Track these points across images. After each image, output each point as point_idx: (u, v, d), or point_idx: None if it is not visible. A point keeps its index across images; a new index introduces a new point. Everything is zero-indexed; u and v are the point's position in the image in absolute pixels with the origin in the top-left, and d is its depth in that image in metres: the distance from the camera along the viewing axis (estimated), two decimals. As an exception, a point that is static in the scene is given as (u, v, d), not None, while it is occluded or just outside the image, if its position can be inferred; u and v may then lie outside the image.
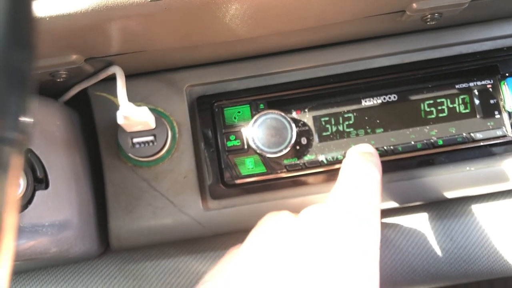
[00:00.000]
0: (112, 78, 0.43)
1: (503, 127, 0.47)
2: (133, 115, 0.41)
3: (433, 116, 0.47)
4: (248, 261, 0.35)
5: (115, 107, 0.42)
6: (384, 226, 0.49)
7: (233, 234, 0.49)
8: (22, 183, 0.39)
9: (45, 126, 0.43)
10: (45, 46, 0.36)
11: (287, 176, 0.47)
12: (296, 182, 0.47)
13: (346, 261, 0.32)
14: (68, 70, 0.41)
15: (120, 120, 0.42)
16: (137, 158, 0.46)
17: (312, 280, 0.32)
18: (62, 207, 0.42)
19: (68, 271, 0.49)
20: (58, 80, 0.42)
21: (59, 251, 0.42)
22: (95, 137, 0.48)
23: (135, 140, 0.45)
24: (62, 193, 0.42)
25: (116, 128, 0.45)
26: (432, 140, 0.47)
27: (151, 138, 0.45)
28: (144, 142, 0.45)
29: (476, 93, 0.48)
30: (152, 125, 0.44)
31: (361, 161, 0.39)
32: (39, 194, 0.40)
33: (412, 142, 0.47)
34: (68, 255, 0.45)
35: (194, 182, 0.47)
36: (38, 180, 0.40)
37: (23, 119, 0.17)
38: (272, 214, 0.40)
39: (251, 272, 0.33)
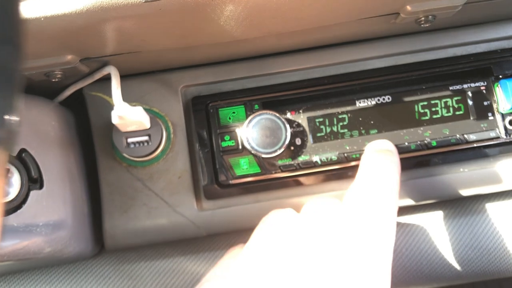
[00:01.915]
0: (107, 78, 0.43)
1: (497, 129, 0.47)
2: (127, 115, 0.41)
3: (427, 118, 0.47)
4: (253, 261, 0.34)
5: (110, 107, 0.42)
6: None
7: (227, 235, 0.49)
8: (16, 183, 0.39)
9: (40, 126, 0.43)
10: (40, 46, 0.36)
11: (281, 177, 0.47)
12: (290, 183, 0.47)
13: (358, 264, 0.32)
14: (63, 70, 0.41)
15: (114, 119, 0.42)
16: (131, 158, 0.46)
17: (323, 280, 0.31)
18: (56, 207, 0.42)
19: (62, 271, 0.49)
20: (53, 80, 0.42)
21: (53, 251, 0.42)
22: (90, 137, 0.48)
23: (130, 140, 0.45)
24: (56, 193, 0.42)
25: (111, 128, 0.45)
26: (425, 141, 0.47)
27: (145, 138, 0.45)
28: (138, 142, 0.45)
29: (470, 94, 0.48)
30: (147, 125, 0.44)
31: (381, 160, 0.38)
32: (33, 194, 0.40)
33: (406, 143, 0.47)
34: (63, 255, 0.45)
35: (188, 182, 0.47)
36: (32, 180, 0.40)
37: (8, 117, 0.17)
38: (276, 212, 0.40)
39: (256, 272, 0.33)
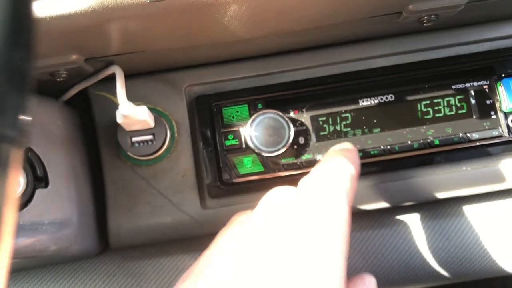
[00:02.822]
0: (112, 78, 0.44)
1: (499, 128, 0.47)
2: (132, 114, 0.42)
3: (429, 116, 0.47)
4: (215, 261, 0.35)
5: (115, 106, 0.43)
6: (380, 225, 0.50)
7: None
8: (22, 182, 0.39)
9: (45, 125, 0.43)
10: (45, 46, 0.37)
11: (284, 175, 0.47)
12: (293, 182, 0.47)
13: (304, 253, 0.31)
14: (68, 70, 0.41)
15: (119, 119, 0.42)
16: (136, 157, 0.46)
17: (269, 271, 0.31)
18: (61, 205, 0.42)
19: (67, 269, 0.50)
20: (58, 80, 0.42)
21: (59, 249, 0.43)
22: (95, 136, 0.48)
23: (134, 139, 0.45)
24: (61, 191, 0.42)
25: (115, 127, 0.45)
26: (428, 140, 0.47)
27: (150, 137, 0.45)
28: (143, 141, 0.45)
29: (473, 93, 0.48)
30: (151, 124, 0.45)
31: (334, 154, 0.39)
32: (39, 192, 0.40)
33: (409, 142, 0.47)
34: (68, 253, 0.45)
35: (192, 181, 0.47)
36: (38, 178, 0.41)
37: (22, 117, 0.18)
38: (236, 215, 0.41)
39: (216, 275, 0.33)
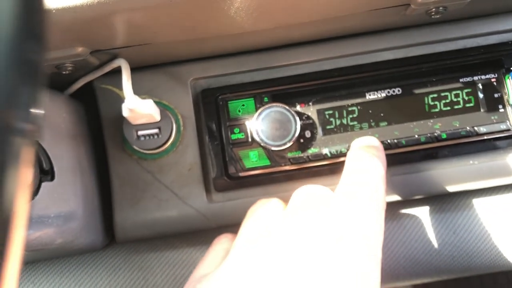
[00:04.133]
0: (118, 71, 0.43)
1: (507, 121, 0.47)
2: (138, 108, 0.42)
3: (437, 110, 0.47)
4: (237, 265, 0.34)
5: (120, 100, 0.42)
6: (387, 219, 0.50)
7: (237, 227, 0.49)
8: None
9: (51, 118, 0.43)
10: (51, 39, 0.37)
11: (291, 169, 0.47)
12: (300, 175, 0.47)
13: (343, 261, 0.31)
14: (73, 62, 0.41)
15: (125, 112, 0.42)
16: (142, 150, 0.46)
17: (305, 278, 0.31)
18: (67, 198, 0.42)
19: (73, 262, 0.50)
20: (64, 72, 0.42)
21: (65, 242, 0.43)
22: (101, 130, 0.48)
23: (140, 132, 0.45)
24: (67, 184, 0.42)
25: (121, 120, 0.45)
26: (435, 134, 0.47)
27: (156, 130, 0.45)
28: (149, 135, 0.45)
29: (480, 87, 0.48)
30: (157, 117, 0.44)
31: (365, 155, 0.39)
32: (45, 185, 0.40)
33: (416, 136, 0.47)
34: (73, 247, 0.45)
35: (198, 174, 0.47)
36: (44, 171, 0.41)
37: (34, 110, 0.17)
38: (261, 207, 0.39)
39: (238, 278, 0.32)
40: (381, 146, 0.41)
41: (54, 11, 0.33)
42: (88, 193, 0.45)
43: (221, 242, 0.40)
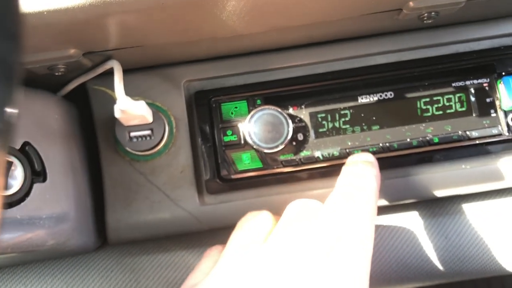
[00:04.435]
0: (111, 73, 0.43)
1: (499, 126, 0.47)
2: (130, 109, 0.42)
3: (429, 114, 0.47)
4: (226, 276, 0.34)
5: (113, 101, 0.42)
6: (378, 223, 0.50)
7: (229, 229, 0.49)
8: (19, 176, 0.39)
9: (43, 119, 0.43)
10: (43, 40, 0.37)
11: (283, 172, 0.47)
12: (292, 178, 0.47)
13: (333, 274, 0.32)
14: (66, 64, 0.41)
15: (117, 113, 0.42)
16: (134, 152, 0.46)
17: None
18: (59, 200, 0.42)
19: (65, 264, 0.50)
20: (57, 74, 0.42)
21: (56, 244, 0.42)
22: (93, 131, 0.48)
23: (133, 134, 0.45)
24: (59, 186, 0.42)
25: (114, 122, 0.45)
26: (427, 138, 0.47)
27: (148, 132, 0.45)
28: (141, 136, 0.45)
29: (473, 91, 0.48)
30: (150, 119, 0.44)
31: (361, 170, 0.39)
32: (36, 187, 0.40)
33: (408, 140, 0.47)
34: (65, 248, 0.45)
35: (190, 176, 0.47)
36: (36, 173, 0.41)
37: (7, 109, 0.17)
38: (251, 220, 0.39)
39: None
40: (376, 162, 0.41)
41: (45, 12, 0.33)
42: (81, 194, 0.45)
43: (212, 254, 0.41)
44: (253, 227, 0.38)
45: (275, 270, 0.32)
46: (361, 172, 0.39)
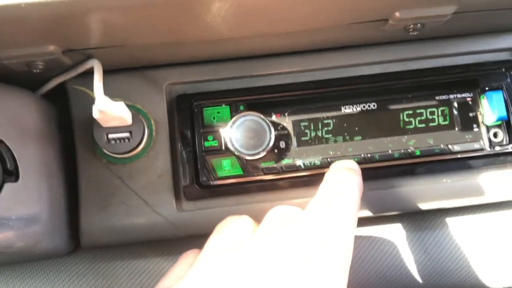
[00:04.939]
0: (91, 73, 0.42)
1: (481, 141, 0.47)
2: (108, 110, 0.41)
3: (411, 126, 0.47)
4: (202, 280, 0.33)
5: (93, 102, 0.41)
6: (358, 235, 0.49)
7: (206, 236, 0.48)
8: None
9: (19, 117, 0.42)
10: (20, 35, 0.36)
11: (263, 180, 0.46)
12: (272, 186, 0.47)
13: (311, 280, 0.31)
14: (45, 61, 0.40)
15: (95, 114, 0.41)
16: (112, 154, 0.45)
17: None
18: (31, 201, 0.41)
19: (35, 268, 0.48)
20: (35, 71, 0.41)
21: (26, 246, 0.41)
22: (71, 132, 0.47)
23: (111, 135, 0.44)
24: (32, 186, 0.41)
25: (92, 123, 0.44)
26: (409, 150, 0.47)
27: (127, 134, 0.44)
28: (119, 138, 0.44)
29: (456, 105, 0.48)
30: (129, 121, 0.43)
31: (343, 176, 0.39)
32: (8, 186, 0.39)
33: (390, 151, 0.47)
34: (35, 251, 0.44)
35: (169, 182, 0.46)
36: (7, 172, 0.39)
37: None
38: (231, 223, 0.38)
39: None
40: (359, 170, 0.41)
41: (23, 5, 0.32)
42: (54, 196, 0.44)
43: (188, 257, 0.40)
44: (231, 232, 0.37)
45: (252, 276, 0.31)
46: (343, 179, 0.39)
